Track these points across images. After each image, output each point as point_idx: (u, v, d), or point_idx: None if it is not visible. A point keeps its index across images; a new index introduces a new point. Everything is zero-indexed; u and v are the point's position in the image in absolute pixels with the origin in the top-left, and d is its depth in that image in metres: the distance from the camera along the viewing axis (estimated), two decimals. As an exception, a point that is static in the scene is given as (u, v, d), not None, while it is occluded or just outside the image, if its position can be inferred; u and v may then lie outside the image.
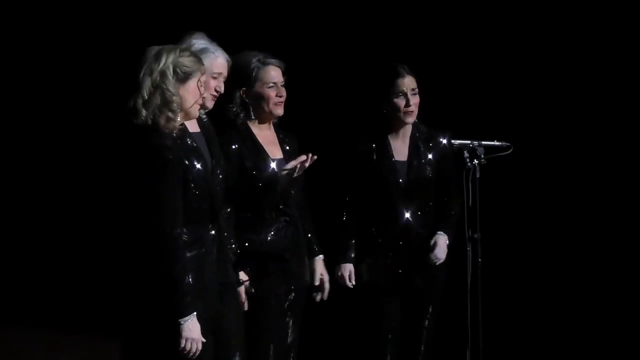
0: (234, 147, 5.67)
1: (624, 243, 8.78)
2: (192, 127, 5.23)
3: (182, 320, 4.71)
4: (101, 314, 5.87)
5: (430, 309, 6.36)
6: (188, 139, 5.04)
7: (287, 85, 5.90)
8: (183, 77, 4.73)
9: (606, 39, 8.89)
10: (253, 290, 5.59)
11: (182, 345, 4.76)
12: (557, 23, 8.96)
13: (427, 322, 6.40)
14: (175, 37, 5.17)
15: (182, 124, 5.07)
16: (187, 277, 4.74)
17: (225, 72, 5.35)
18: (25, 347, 8.79)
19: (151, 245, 4.70)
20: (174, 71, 4.70)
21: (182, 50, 4.79)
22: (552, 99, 8.80)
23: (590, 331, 8.57)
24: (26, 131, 10.29)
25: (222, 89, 5.34)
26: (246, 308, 5.56)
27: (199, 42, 5.34)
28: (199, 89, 4.79)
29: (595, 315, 8.69)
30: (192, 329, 4.74)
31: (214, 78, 5.29)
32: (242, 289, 5.54)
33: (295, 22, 9.16)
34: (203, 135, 5.28)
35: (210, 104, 5.32)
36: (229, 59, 5.39)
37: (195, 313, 4.79)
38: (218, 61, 5.32)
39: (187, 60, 4.75)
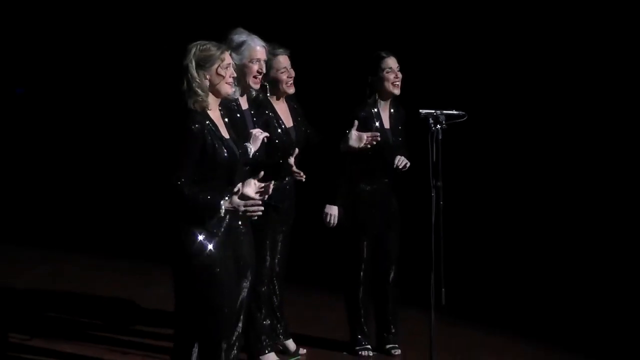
0: (262, 119, 6.36)
1: (561, 176, 9.72)
2: (244, 104, 6.03)
3: (222, 206, 5.07)
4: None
5: (398, 243, 7.08)
6: (219, 119, 5.37)
7: (297, 67, 6.54)
8: (205, 65, 5.21)
9: (549, 16, 9.73)
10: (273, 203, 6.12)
11: (245, 209, 5.08)
12: (505, 4, 9.80)
13: (395, 256, 7.10)
14: (192, 35, 5.51)
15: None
16: (200, 195, 5.06)
17: (263, 56, 6.03)
18: (84, 272, 9.48)
19: (164, 190, 5.12)
20: (196, 63, 5.19)
21: (201, 45, 5.24)
22: (500, 78, 9.72)
23: (533, 253, 9.46)
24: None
25: (263, 70, 6.03)
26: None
27: (238, 37, 5.99)
28: (221, 72, 5.22)
29: (537, 238, 9.61)
30: (233, 200, 5.09)
31: (254, 63, 5.99)
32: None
33: (303, 16, 10.06)
34: (250, 111, 6.07)
35: (255, 85, 6.05)
36: (264, 44, 6.04)
37: (225, 197, 5.08)
38: (255, 49, 6.01)
39: (204, 53, 5.21)
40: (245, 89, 6.15)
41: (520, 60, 9.87)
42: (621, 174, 9.83)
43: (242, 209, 5.15)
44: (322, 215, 6.91)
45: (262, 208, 5.21)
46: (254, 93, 6.21)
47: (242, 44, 5.99)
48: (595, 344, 7.62)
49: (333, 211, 6.90)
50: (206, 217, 5.18)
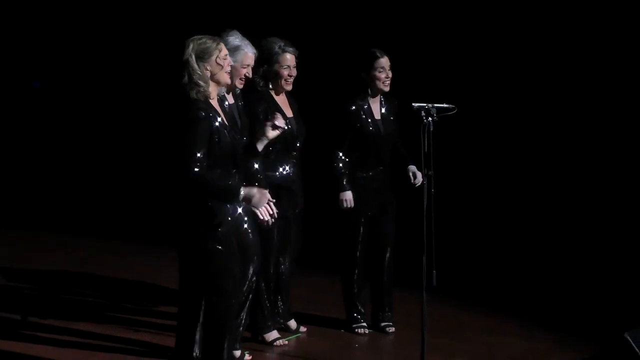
0: (262, 107, 6.58)
1: (546, 163, 9.85)
2: (230, 99, 6.25)
3: (242, 192, 5.19)
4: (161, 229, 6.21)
5: (394, 227, 7.26)
6: (218, 108, 5.52)
7: (299, 64, 6.72)
8: (204, 57, 5.39)
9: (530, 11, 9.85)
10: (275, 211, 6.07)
11: (259, 199, 5.17)
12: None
13: (391, 239, 7.28)
14: (206, 32, 5.65)
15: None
16: (219, 180, 5.20)
17: (252, 62, 6.27)
18: (97, 255, 9.64)
19: (182, 179, 5.22)
20: (196, 56, 5.37)
21: (198, 39, 5.41)
22: (488, 73, 9.91)
23: (516, 234, 9.62)
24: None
25: (250, 74, 6.27)
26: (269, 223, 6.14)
27: (233, 39, 6.21)
28: (220, 62, 5.40)
29: (523, 222, 9.73)
30: (251, 190, 5.24)
31: (244, 68, 6.25)
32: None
33: (297, 12, 10.19)
34: (235, 105, 6.32)
35: (240, 85, 6.29)
36: (255, 52, 6.27)
37: (243, 185, 5.19)
38: (247, 56, 6.26)
39: (202, 46, 5.39)
40: (231, 87, 6.35)
41: (508, 55, 10.03)
42: (605, 157, 9.95)
43: (257, 197, 5.24)
44: (338, 203, 7.10)
45: (269, 217, 5.44)
46: (238, 90, 6.39)
47: (236, 48, 6.20)
48: (580, 323, 7.71)
49: (347, 196, 7.07)
50: (223, 200, 5.29)
